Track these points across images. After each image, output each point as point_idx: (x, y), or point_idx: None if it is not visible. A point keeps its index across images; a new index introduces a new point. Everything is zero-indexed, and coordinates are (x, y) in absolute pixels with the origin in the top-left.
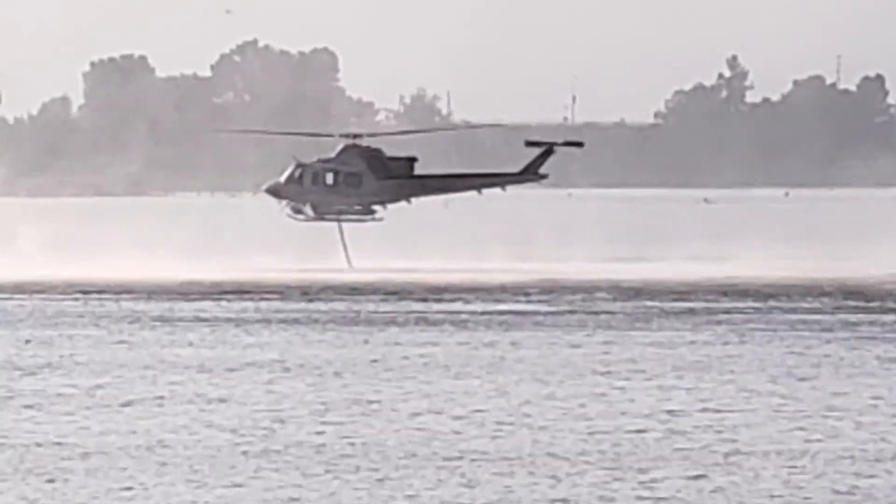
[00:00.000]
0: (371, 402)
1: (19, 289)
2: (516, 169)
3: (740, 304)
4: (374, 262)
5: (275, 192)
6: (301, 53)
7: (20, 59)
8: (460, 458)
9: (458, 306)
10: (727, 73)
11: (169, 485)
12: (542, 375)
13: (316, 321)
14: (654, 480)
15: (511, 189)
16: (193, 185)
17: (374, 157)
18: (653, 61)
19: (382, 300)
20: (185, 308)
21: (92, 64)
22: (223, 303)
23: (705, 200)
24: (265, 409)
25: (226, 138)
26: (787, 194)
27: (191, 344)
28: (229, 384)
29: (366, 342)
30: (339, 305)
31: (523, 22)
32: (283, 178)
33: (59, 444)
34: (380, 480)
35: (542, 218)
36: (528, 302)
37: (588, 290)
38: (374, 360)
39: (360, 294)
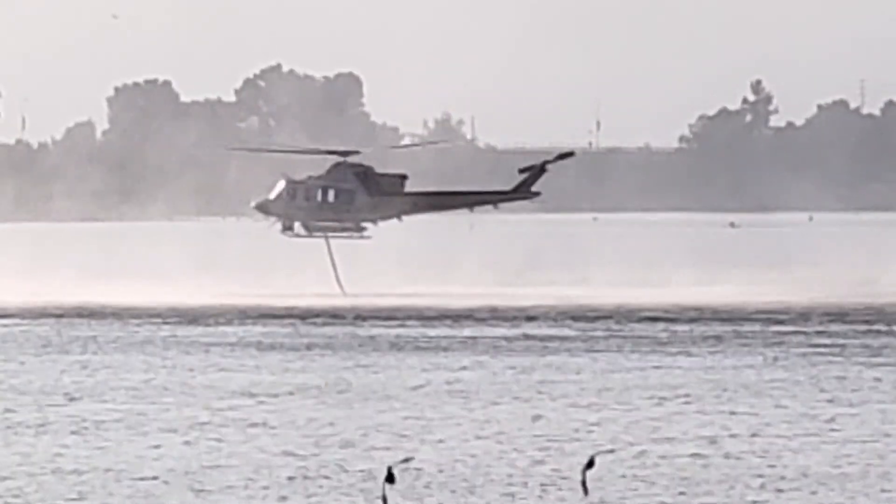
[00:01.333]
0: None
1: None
2: (508, 187)
3: (776, 328)
4: (406, 286)
5: (264, 209)
6: (325, 78)
7: (45, 84)
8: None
9: (487, 331)
10: (751, 98)
11: None
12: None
13: (350, 346)
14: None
15: (536, 213)
16: (218, 210)
17: (365, 174)
18: (677, 86)
19: (423, 325)
20: (220, 332)
21: (116, 89)
22: (254, 327)
23: (731, 225)
24: (313, 433)
25: (250, 163)
26: (811, 218)
27: (222, 369)
28: (276, 408)
29: (409, 367)
30: (383, 330)
31: (548, 47)
32: (272, 195)
33: (109, 469)
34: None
35: (567, 242)
36: (558, 326)
37: (617, 313)
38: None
39: (399, 318)
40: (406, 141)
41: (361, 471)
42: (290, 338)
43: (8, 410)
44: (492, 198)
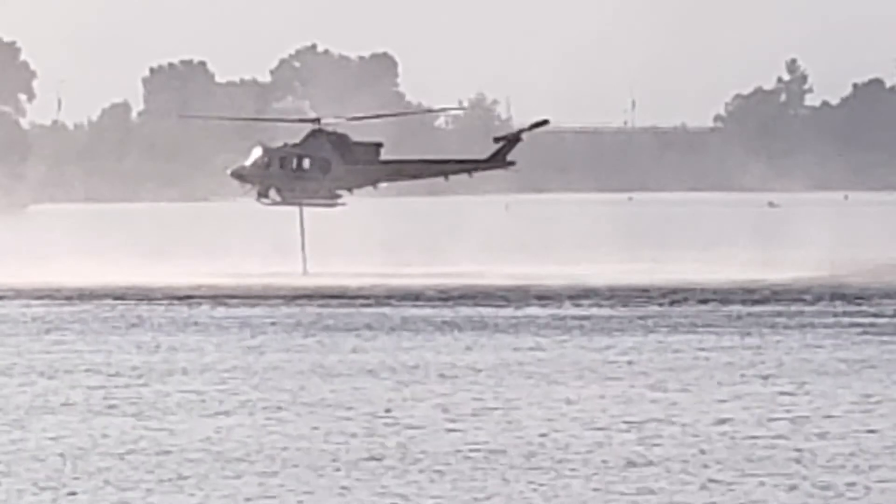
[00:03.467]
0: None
1: (120, 294)
2: (484, 156)
3: (824, 309)
4: (451, 265)
5: (240, 176)
6: (360, 58)
7: (80, 66)
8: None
9: (532, 311)
10: (786, 77)
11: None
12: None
13: (412, 326)
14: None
15: (571, 192)
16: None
17: (341, 143)
18: (712, 65)
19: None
20: (280, 312)
21: (151, 70)
22: (308, 307)
23: (770, 204)
24: (386, 414)
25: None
26: (846, 197)
27: (287, 349)
28: (345, 388)
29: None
30: (427, 311)
31: (583, 26)
32: (248, 163)
33: (186, 449)
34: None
35: (603, 222)
36: (595, 306)
37: (659, 293)
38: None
39: (449, 299)
40: (441, 122)
41: (423, 451)
42: (347, 318)
43: (70, 389)
44: (467, 166)
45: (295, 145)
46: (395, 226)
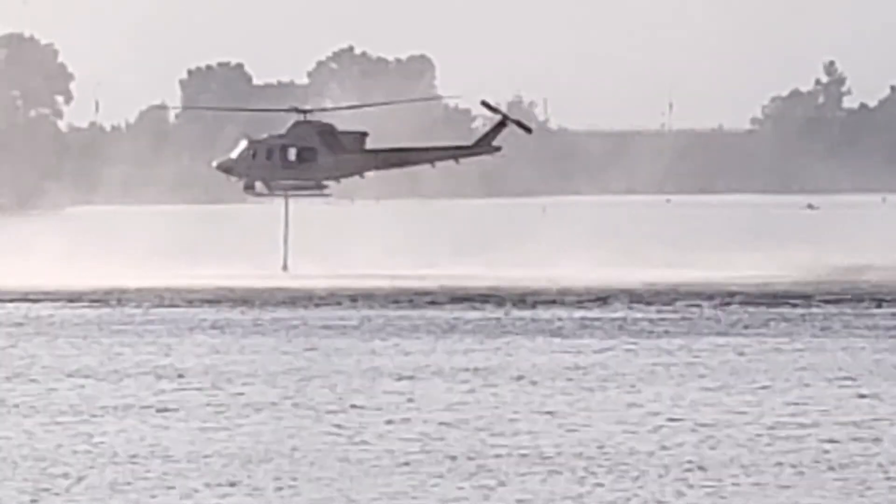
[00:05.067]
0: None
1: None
2: (470, 142)
3: (873, 311)
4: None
5: (227, 168)
6: (398, 60)
7: (117, 67)
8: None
9: (582, 313)
10: (824, 79)
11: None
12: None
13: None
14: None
15: (608, 195)
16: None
17: (326, 132)
18: (749, 67)
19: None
20: (336, 314)
21: (189, 72)
22: (371, 309)
23: (809, 206)
24: (453, 415)
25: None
26: (884, 200)
27: (349, 352)
28: (413, 388)
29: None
30: (482, 314)
31: (620, 28)
32: (234, 155)
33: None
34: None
35: (642, 224)
36: (635, 309)
37: (702, 295)
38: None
39: (491, 300)
40: (477, 124)
41: (498, 455)
42: (398, 320)
43: (125, 392)
44: (453, 153)
45: (280, 136)
46: (434, 228)
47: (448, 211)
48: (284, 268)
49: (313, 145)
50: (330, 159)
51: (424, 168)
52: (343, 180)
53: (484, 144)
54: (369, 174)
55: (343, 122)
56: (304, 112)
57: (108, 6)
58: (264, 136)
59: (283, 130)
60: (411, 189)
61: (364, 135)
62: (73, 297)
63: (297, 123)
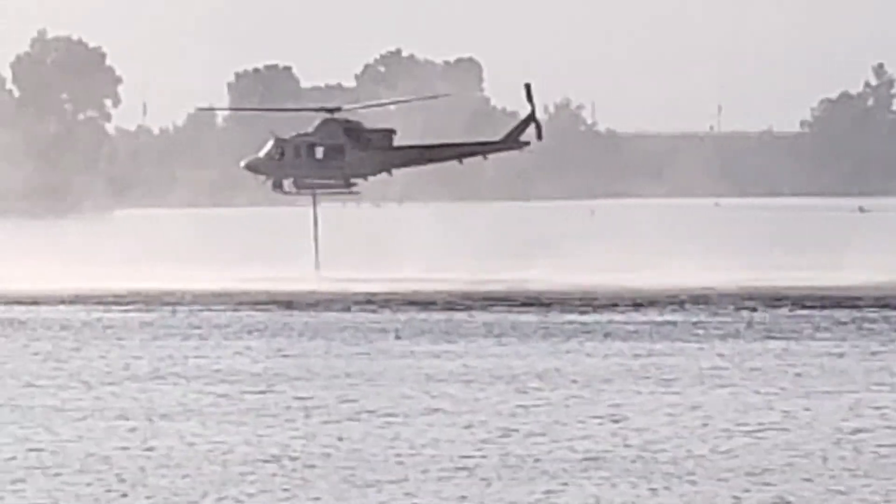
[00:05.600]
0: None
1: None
2: (498, 137)
3: None
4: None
5: (254, 168)
6: (445, 63)
7: (165, 71)
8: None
9: (636, 316)
10: (873, 82)
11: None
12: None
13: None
14: None
15: (656, 198)
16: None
17: (354, 130)
18: (799, 70)
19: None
20: (394, 318)
21: (237, 75)
22: (430, 313)
23: (860, 209)
24: (505, 420)
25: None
26: None
27: (404, 355)
28: (461, 395)
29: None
30: (539, 317)
31: (668, 31)
32: (262, 154)
33: (327, 454)
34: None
35: (691, 227)
36: (679, 312)
37: (745, 298)
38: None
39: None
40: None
41: (558, 460)
42: (451, 324)
43: (181, 394)
44: (481, 149)
45: (307, 134)
46: (482, 230)
47: (497, 213)
48: (317, 267)
49: (341, 143)
50: (357, 157)
51: (468, 169)
52: (387, 190)
53: (511, 140)
54: (404, 173)
55: (382, 122)
56: (332, 111)
57: (156, 10)
58: (292, 134)
59: (310, 129)
60: (452, 191)
61: (391, 132)
62: (124, 301)
63: (324, 121)
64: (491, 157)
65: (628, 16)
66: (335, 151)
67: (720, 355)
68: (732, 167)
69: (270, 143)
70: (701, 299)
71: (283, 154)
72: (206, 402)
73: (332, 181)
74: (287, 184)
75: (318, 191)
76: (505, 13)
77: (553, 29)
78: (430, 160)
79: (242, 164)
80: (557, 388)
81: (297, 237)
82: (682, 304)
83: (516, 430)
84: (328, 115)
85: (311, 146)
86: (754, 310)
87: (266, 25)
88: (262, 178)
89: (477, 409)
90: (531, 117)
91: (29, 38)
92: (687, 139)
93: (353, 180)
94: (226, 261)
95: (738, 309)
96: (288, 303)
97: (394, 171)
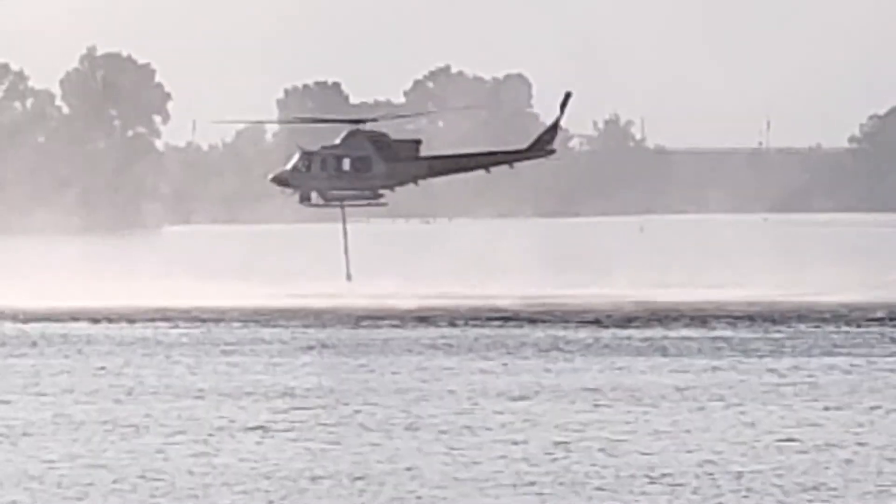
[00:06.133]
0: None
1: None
2: (524, 146)
3: None
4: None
5: (282, 180)
6: (495, 79)
7: (214, 87)
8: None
9: (685, 332)
10: None
11: None
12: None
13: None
14: None
15: (701, 213)
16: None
17: (380, 141)
18: (848, 85)
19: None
20: (448, 333)
21: (286, 91)
22: (478, 328)
23: None
24: (560, 435)
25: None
26: None
27: (452, 370)
28: (515, 409)
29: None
30: (582, 333)
31: (718, 47)
32: (289, 167)
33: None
34: None
35: (739, 242)
36: (732, 328)
37: (805, 315)
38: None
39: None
40: (574, 143)
41: (617, 476)
42: (511, 339)
43: (231, 412)
44: (507, 157)
45: (334, 146)
46: (532, 246)
47: (546, 229)
48: (349, 278)
49: (367, 154)
50: (384, 168)
51: (510, 185)
52: (436, 205)
53: (539, 148)
54: (453, 190)
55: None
56: (358, 122)
57: (205, 26)
58: (318, 147)
59: (336, 140)
60: (501, 208)
61: (418, 142)
62: (173, 317)
63: (350, 133)
64: (542, 173)
65: (678, 32)
66: (362, 163)
67: (775, 371)
68: (781, 183)
69: (297, 156)
70: (754, 315)
71: (309, 166)
72: (262, 418)
73: (359, 193)
74: (314, 196)
75: (346, 202)
76: (554, 29)
77: (602, 45)
78: (457, 170)
79: (269, 177)
80: (614, 404)
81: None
82: (735, 319)
83: (573, 447)
84: (354, 127)
85: (338, 158)
86: (817, 327)
87: (315, 42)
88: (289, 190)
89: (533, 426)
90: (556, 125)
91: (78, 55)
92: (736, 155)
93: (379, 191)
94: (273, 276)
95: (790, 325)
96: (334, 318)
97: (448, 188)
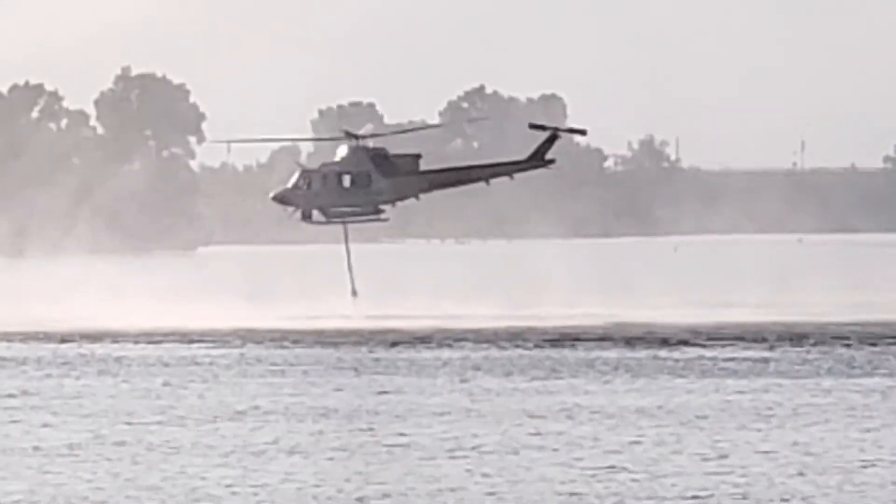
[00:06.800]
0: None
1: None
2: (523, 157)
3: None
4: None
5: (283, 199)
6: (529, 99)
7: (249, 108)
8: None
9: (729, 353)
10: None
11: None
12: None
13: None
14: None
15: (733, 233)
16: (424, 231)
17: (380, 156)
18: (882, 106)
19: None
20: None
21: (320, 112)
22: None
23: None
24: (611, 456)
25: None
26: None
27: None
28: (565, 429)
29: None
30: (646, 353)
31: (753, 68)
32: (290, 185)
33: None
34: None
35: (775, 263)
36: (771, 349)
37: (844, 336)
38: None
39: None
40: (609, 163)
41: (665, 498)
42: (564, 360)
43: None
44: (506, 169)
45: (334, 163)
46: (576, 267)
47: (582, 250)
48: (353, 293)
49: (367, 170)
50: (384, 183)
51: (543, 205)
52: (468, 227)
53: (537, 158)
54: (486, 211)
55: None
56: (357, 137)
57: (240, 46)
58: (318, 164)
59: (335, 158)
60: (536, 229)
61: (417, 157)
62: (207, 338)
63: (350, 150)
64: (576, 195)
65: (712, 53)
66: (362, 179)
67: (817, 391)
68: (816, 203)
69: (297, 174)
70: (789, 335)
71: (310, 184)
72: (303, 439)
73: (360, 209)
74: (316, 214)
75: (348, 219)
76: (589, 50)
77: (637, 66)
78: (457, 182)
79: (270, 195)
80: (659, 425)
81: (377, 272)
82: (774, 340)
83: (620, 467)
84: (354, 143)
85: (338, 175)
86: (848, 346)
87: (350, 62)
88: (290, 209)
89: (579, 446)
90: (554, 136)
91: (113, 75)
92: (770, 175)
93: (381, 206)
94: (304, 296)
95: (830, 345)
96: (366, 340)
97: (478, 209)
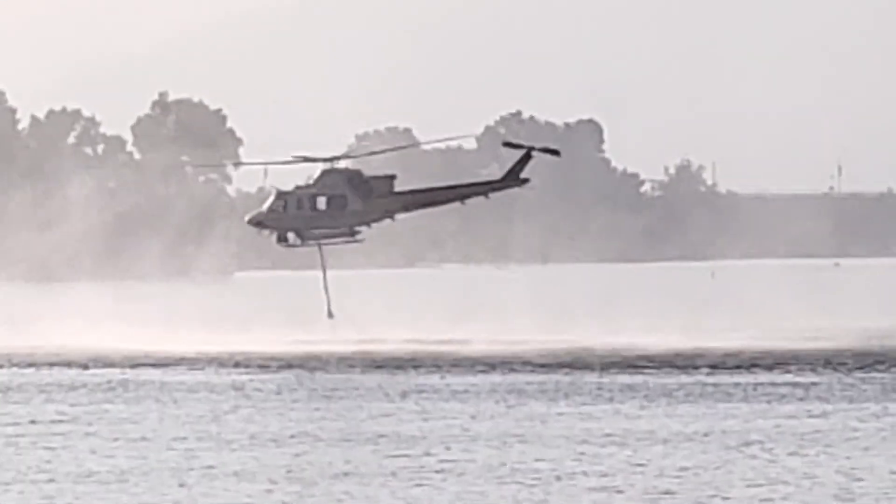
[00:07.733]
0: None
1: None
2: (497, 176)
3: None
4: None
5: (258, 222)
6: (566, 125)
7: (286, 132)
8: None
9: (753, 378)
10: None
11: None
12: None
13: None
14: None
15: (768, 258)
16: (458, 256)
17: (355, 178)
18: None
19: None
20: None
21: (357, 136)
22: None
23: None
24: (663, 479)
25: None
26: None
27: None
28: (608, 454)
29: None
30: (683, 378)
31: (789, 92)
32: (265, 208)
33: None
34: None
35: (812, 288)
36: (814, 373)
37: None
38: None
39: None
40: (646, 188)
41: None
42: (608, 386)
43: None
44: (482, 189)
45: (308, 185)
46: (604, 291)
47: (621, 274)
48: (330, 315)
49: (343, 192)
50: (360, 205)
51: (577, 230)
52: (503, 251)
53: (512, 177)
54: (520, 233)
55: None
56: (331, 160)
57: (276, 72)
58: (292, 187)
59: (310, 180)
60: (575, 254)
61: (392, 178)
62: (244, 363)
63: (325, 172)
64: (614, 220)
65: (748, 77)
66: (337, 201)
67: (864, 417)
68: (852, 228)
69: (272, 197)
70: (831, 360)
71: (286, 207)
72: (354, 464)
73: (336, 231)
74: (291, 236)
75: (324, 241)
76: (626, 75)
77: (673, 89)
78: (432, 203)
79: (246, 218)
80: (706, 450)
81: (398, 296)
82: (820, 364)
83: (680, 492)
84: (328, 166)
85: (313, 197)
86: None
87: (387, 87)
88: (265, 232)
89: (627, 471)
90: (528, 155)
91: (150, 100)
92: (807, 200)
93: (356, 228)
94: (352, 321)
95: (871, 371)
96: (416, 364)
97: (514, 234)
